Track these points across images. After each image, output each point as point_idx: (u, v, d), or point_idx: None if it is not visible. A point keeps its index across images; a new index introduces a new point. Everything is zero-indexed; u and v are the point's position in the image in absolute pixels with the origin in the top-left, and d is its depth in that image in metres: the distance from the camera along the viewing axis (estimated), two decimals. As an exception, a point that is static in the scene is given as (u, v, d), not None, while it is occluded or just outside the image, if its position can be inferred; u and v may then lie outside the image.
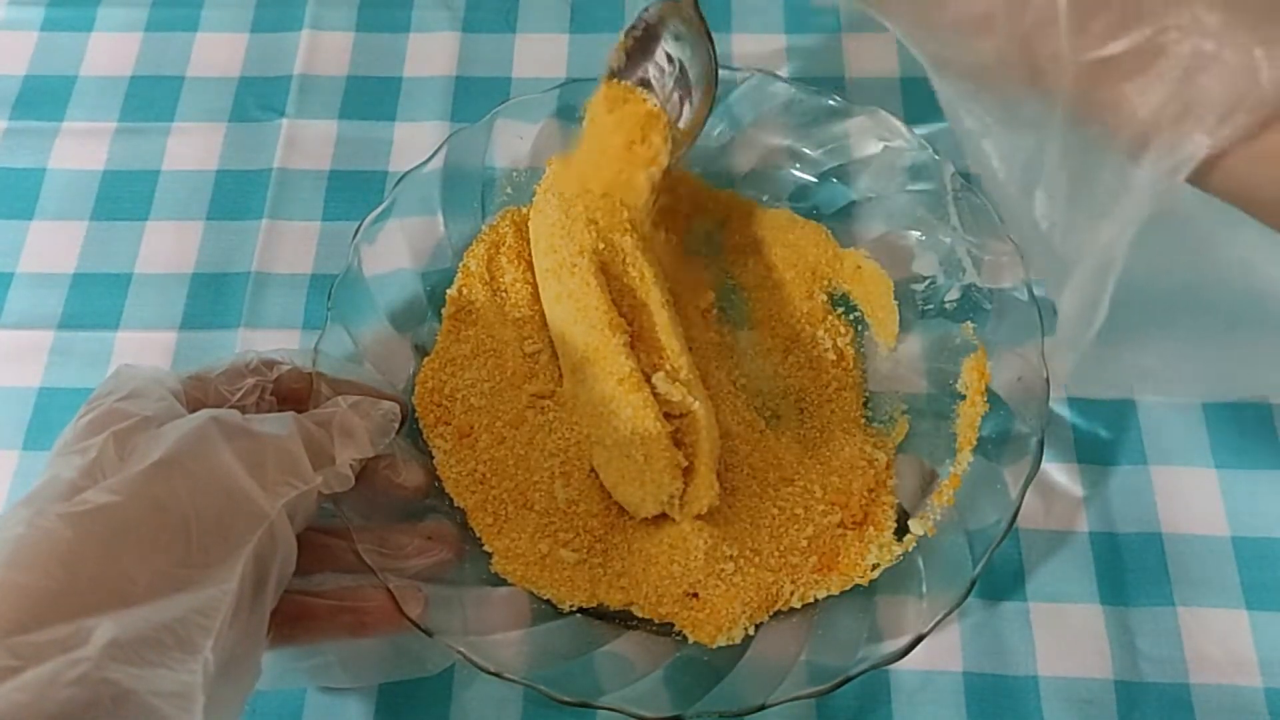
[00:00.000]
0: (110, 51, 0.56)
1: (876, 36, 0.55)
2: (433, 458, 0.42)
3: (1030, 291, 0.41)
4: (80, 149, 0.53)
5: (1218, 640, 0.40)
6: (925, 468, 0.42)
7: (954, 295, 0.45)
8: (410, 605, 0.36)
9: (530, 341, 0.44)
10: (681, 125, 0.44)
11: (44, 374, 0.48)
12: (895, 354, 0.45)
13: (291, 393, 0.38)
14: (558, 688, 0.35)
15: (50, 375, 0.48)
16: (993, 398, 0.41)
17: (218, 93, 0.55)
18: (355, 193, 0.52)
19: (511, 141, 0.48)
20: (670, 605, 0.39)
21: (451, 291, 0.46)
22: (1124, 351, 0.32)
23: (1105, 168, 0.26)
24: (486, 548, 0.40)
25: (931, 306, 0.45)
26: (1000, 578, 0.42)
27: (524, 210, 0.47)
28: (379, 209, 0.44)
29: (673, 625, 0.39)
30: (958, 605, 0.36)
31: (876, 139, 0.47)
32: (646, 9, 0.43)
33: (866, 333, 0.46)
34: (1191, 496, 0.43)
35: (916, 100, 0.53)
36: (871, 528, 0.41)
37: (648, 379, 0.41)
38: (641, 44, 0.43)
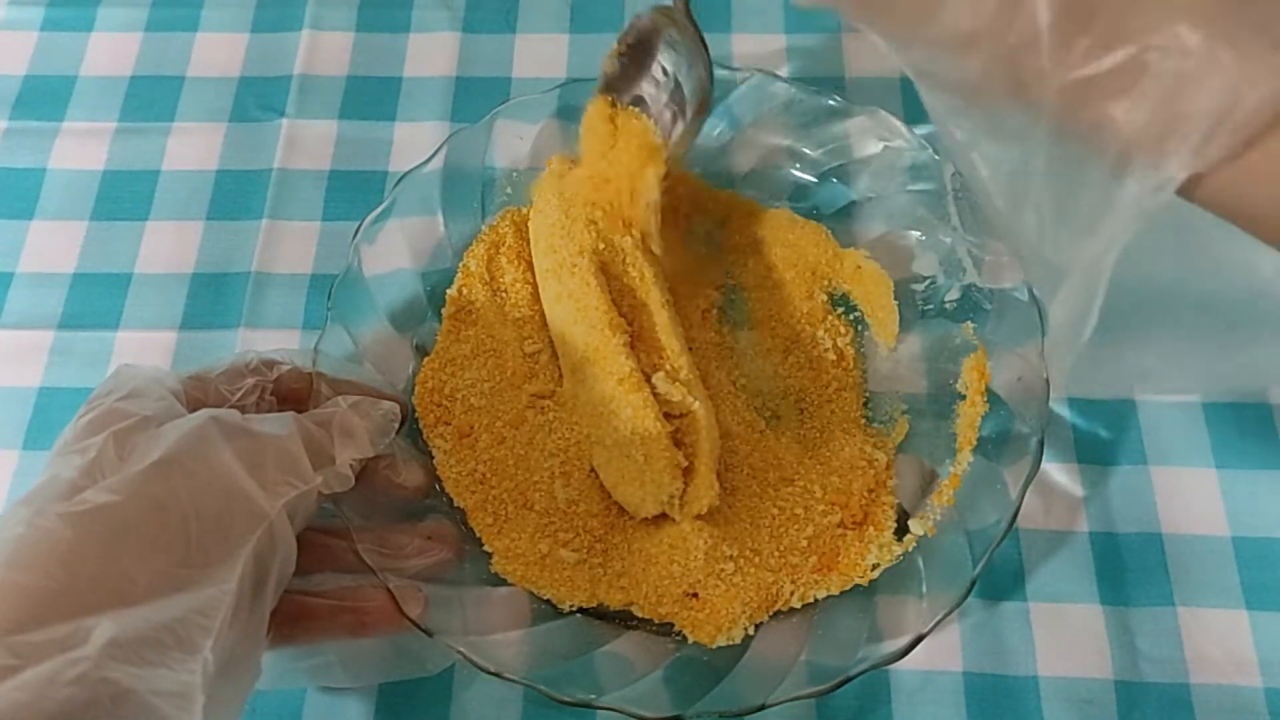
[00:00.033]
0: (110, 51, 0.56)
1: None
2: (433, 458, 0.42)
3: (1030, 292, 0.41)
4: (80, 149, 0.53)
5: (1218, 640, 0.40)
6: (925, 468, 0.42)
7: (954, 295, 0.45)
8: (410, 605, 0.36)
9: (530, 341, 0.44)
10: (673, 140, 0.44)
11: (44, 374, 0.48)
12: (895, 354, 0.45)
13: (291, 393, 0.38)
14: (558, 688, 0.35)
15: (50, 375, 0.48)
16: (993, 398, 0.41)
17: (218, 93, 0.55)
18: (355, 193, 0.52)
19: (511, 141, 0.48)
20: (670, 605, 0.39)
21: (451, 291, 0.46)
22: (1124, 351, 0.32)
23: (1091, 183, 0.26)
24: (486, 548, 0.40)
25: (931, 306, 0.45)
26: (1000, 578, 0.42)
27: (524, 210, 0.47)
28: (379, 209, 0.44)
29: (673, 625, 0.39)
30: (958, 605, 0.36)
31: (876, 139, 0.47)
32: (639, 15, 0.43)
33: (866, 333, 0.46)
34: (1191, 496, 0.43)
35: (916, 100, 0.51)
36: (871, 528, 0.41)
37: (648, 379, 0.41)
38: (636, 52, 0.43)
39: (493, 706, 0.40)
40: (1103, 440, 0.45)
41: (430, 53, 0.56)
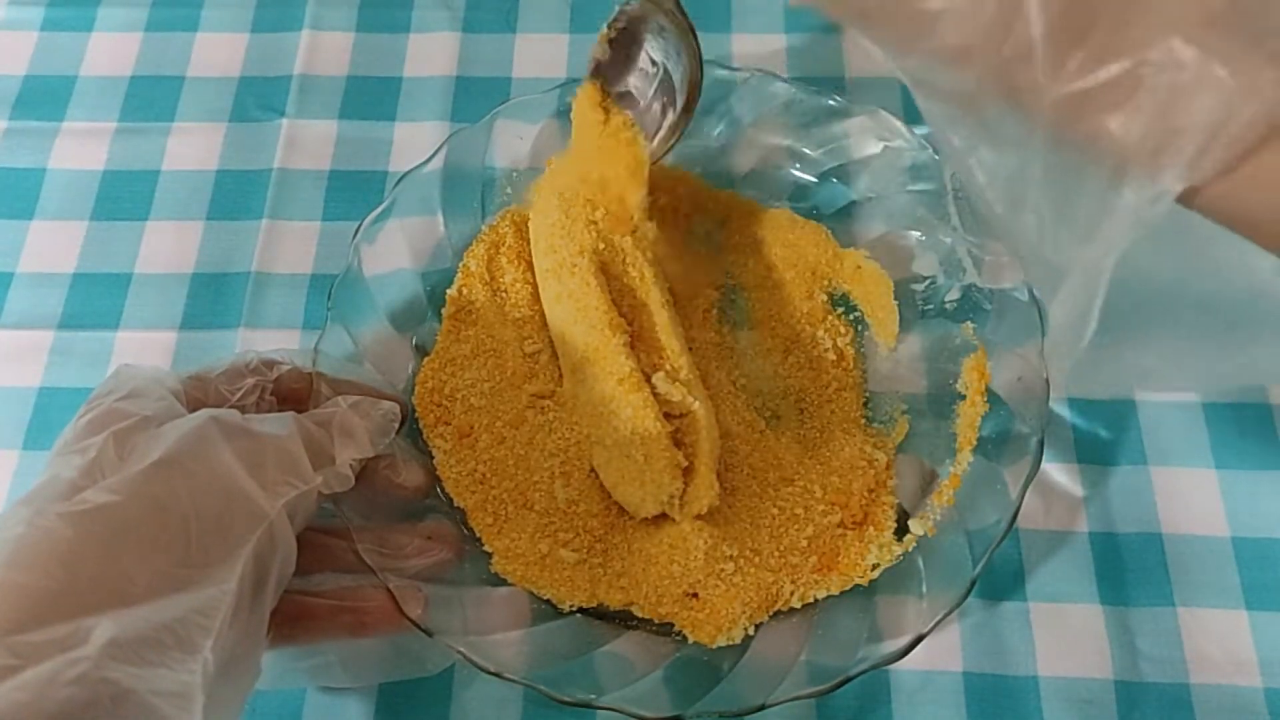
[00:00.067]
0: (110, 51, 0.56)
1: (877, 37, 0.55)
2: (433, 458, 0.42)
3: (1030, 292, 0.41)
4: (80, 149, 0.53)
5: (1218, 640, 0.40)
6: (925, 468, 0.42)
7: (954, 295, 0.44)
8: (410, 605, 0.36)
9: (530, 341, 0.44)
10: (662, 133, 0.44)
11: (44, 374, 0.48)
12: (895, 354, 0.45)
13: (291, 393, 0.38)
14: (558, 688, 0.35)
15: (50, 375, 0.48)
16: (993, 398, 0.41)
17: (218, 93, 0.55)
18: (355, 193, 0.52)
19: (511, 141, 0.48)
20: (670, 605, 0.39)
21: (451, 291, 0.46)
22: (1124, 351, 0.32)
23: (1089, 189, 0.26)
24: (486, 548, 0.40)
25: (931, 306, 0.45)
26: (1000, 578, 0.42)
27: (524, 210, 0.47)
28: (379, 209, 0.44)
29: (673, 625, 0.39)
30: (958, 605, 0.36)
31: (876, 139, 0.47)
32: (628, 2, 0.43)
33: (866, 333, 0.46)
34: (1191, 496, 0.43)
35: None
36: (871, 528, 0.41)
37: (648, 379, 0.41)
38: (625, 40, 0.43)
39: (493, 706, 0.40)
40: (1103, 440, 0.45)
41: (430, 53, 0.56)
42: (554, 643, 0.38)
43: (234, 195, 0.52)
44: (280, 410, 0.37)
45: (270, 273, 0.50)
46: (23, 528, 0.28)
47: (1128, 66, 0.23)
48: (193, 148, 0.53)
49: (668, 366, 0.42)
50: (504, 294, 0.46)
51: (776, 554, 0.39)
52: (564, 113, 0.47)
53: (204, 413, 0.33)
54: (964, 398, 0.42)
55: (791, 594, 0.39)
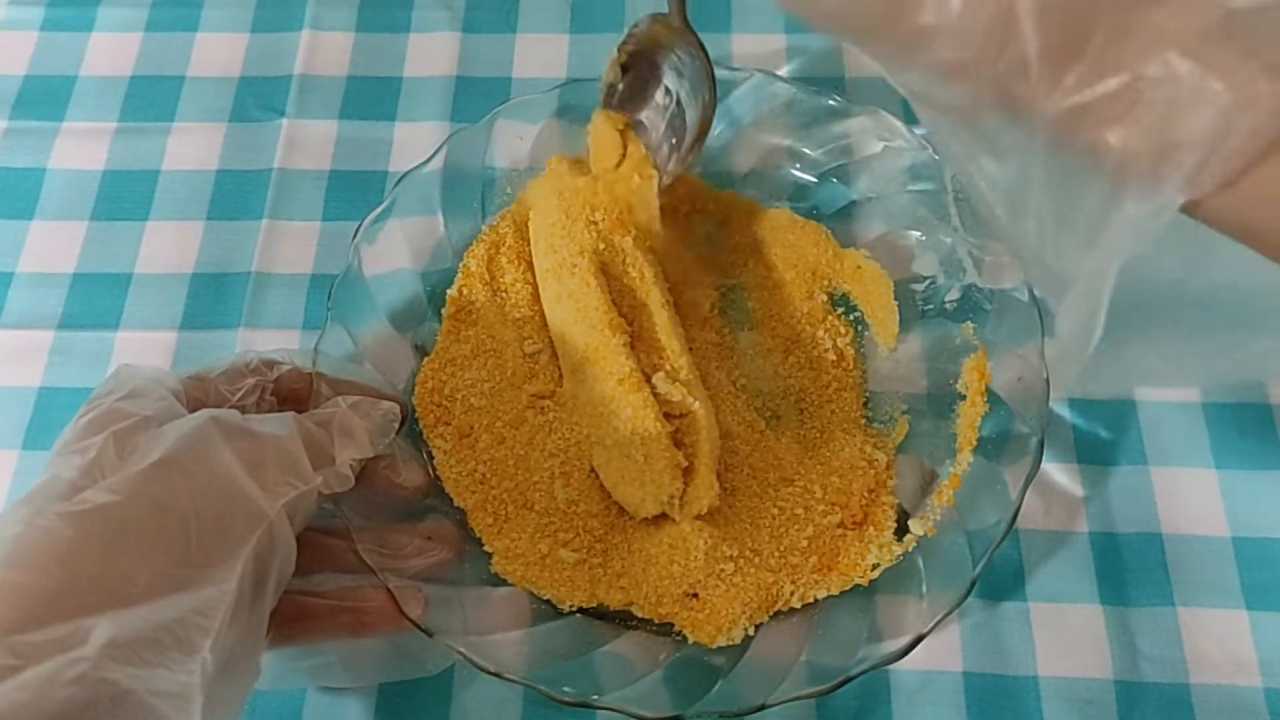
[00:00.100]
0: (110, 51, 0.56)
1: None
2: (433, 458, 0.42)
3: (1030, 292, 0.41)
4: (80, 149, 0.53)
5: (1218, 640, 0.40)
6: (925, 468, 0.42)
7: (954, 295, 0.44)
8: (410, 605, 0.36)
9: (530, 341, 0.44)
10: (668, 170, 0.44)
11: (44, 374, 0.48)
12: (895, 354, 0.45)
13: (291, 393, 0.38)
14: (558, 688, 0.35)
15: (50, 375, 0.48)
16: (993, 398, 0.41)
17: (218, 93, 0.55)
18: (355, 193, 0.52)
19: (511, 141, 0.48)
20: (670, 605, 0.39)
21: (451, 291, 0.46)
22: (1125, 351, 0.32)
23: (1090, 198, 0.26)
24: (486, 548, 0.40)
25: (931, 306, 0.45)
26: (1000, 578, 0.42)
27: (524, 210, 0.47)
28: (379, 209, 0.44)
29: (673, 625, 0.39)
30: (958, 605, 0.36)
31: (876, 139, 0.47)
32: (637, 24, 0.42)
33: (866, 333, 0.46)
34: (1191, 496, 0.43)
35: (916, 100, 0.53)
36: (871, 528, 0.41)
37: (648, 379, 0.41)
38: (639, 66, 0.43)
39: (493, 706, 0.40)
40: (1103, 440, 0.45)
41: (430, 53, 0.56)
42: (554, 643, 0.38)
43: (234, 195, 0.52)
44: (280, 410, 0.37)
45: (270, 273, 0.50)
46: (22, 527, 0.28)
47: (1125, 81, 0.23)
48: (193, 148, 0.53)
49: (668, 366, 0.42)
50: (504, 294, 0.46)
51: (776, 554, 0.39)
52: (564, 112, 0.48)
53: (204, 413, 0.33)
54: (964, 398, 0.42)
55: (791, 594, 0.39)
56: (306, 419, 0.35)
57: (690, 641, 0.38)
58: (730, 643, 0.38)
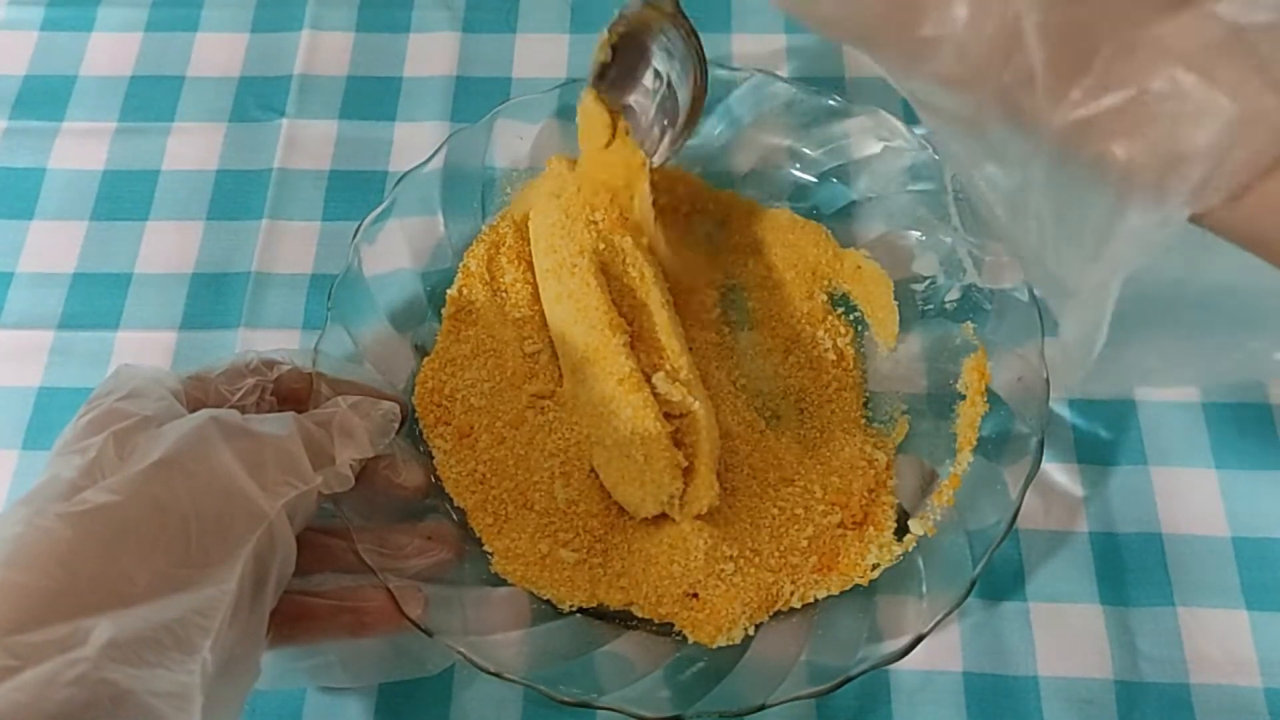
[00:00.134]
0: (110, 51, 0.56)
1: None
2: (433, 458, 0.42)
3: (1030, 292, 0.41)
4: (80, 149, 0.53)
5: (1218, 640, 0.40)
6: (925, 468, 0.42)
7: (954, 295, 0.44)
8: (410, 605, 0.36)
9: (530, 341, 0.44)
10: (659, 153, 0.44)
11: (44, 374, 0.48)
12: (895, 354, 0.45)
13: (291, 393, 0.38)
14: (558, 688, 0.35)
15: (50, 375, 0.48)
16: (993, 398, 0.41)
17: (218, 93, 0.55)
18: (355, 193, 0.52)
19: (511, 141, 0.48)
20: (670, 605, 0.39)
21: (451, 291, 0.46)
22: (1125, 352, 0.32)
23: (1093, 208, 0.26)
24: (486, 548, 0.40)
25: (931, 306, 0.45)
26: (1000, 578, 0.42)
27: (523, 210, 0.47)
28: (379, 209, 0.44)
29: (673, 625, 0.39)
30: (958, 605, 0.36)
31: (876, 139, 0.47)
32: (627, 5, 0.42)
33: (866, 333, 0.46)
34: (1191, 496, 0.43)
35: (916, 100, 0.53)
36: (871, 528, 0.41)
37: (648, 379, 0.41)
38: (629, 47, 0.43)
39: (493, 706, 0.40)
40: (1103, 440, 0.45)
41: (430, 53, 0.56)
42: (554, 643, 0.38)
43: (234, 195, 0.52)
44: (280, 410, 0.37)
45: (270, 273, 0.50)
46: (22, 527, 0.28)
47: (1131, 95, 0.23)
48: (193, 148, 0.53)
49: (668, 366, 0.42)
50: (504, 294, 0.46)
51: (776, 554, 0.39)
52: (564, 112, 0.48)
53: (204, 413, 0.33)
54: (964, 398, 0.42)
55: (791, 594, 0.39)
56: (306, 419, 0.35)
57: (690, 641, 0.38)
58: (730, 643, 0.38)
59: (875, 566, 0.39)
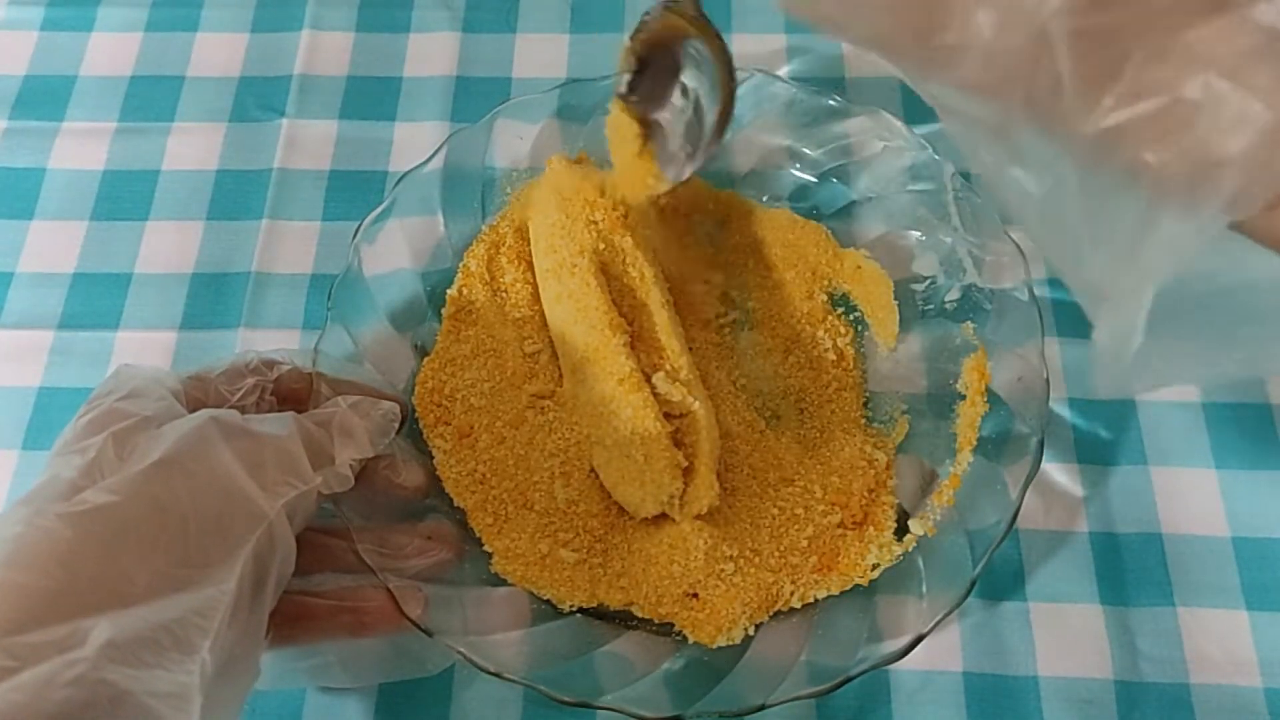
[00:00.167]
0: (110, 51, 0.56)
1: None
2: (433, 458, 0.42)
3: (1030, 292, 0.41)
4: (80, 149, 0.53)
5: (1218, 640, 0.40)
6: (925, 468, 0.42)
7: (954, 295, 0.44)
8: (410, 605, 0.36)
9: (530, 341, 0.44)
10: (683, 176, 0.43)
11: (44, 374, 0.48)
12: (895, 354, 0.45)
13: (291, 393, 0.38)
14: (558, 688, 0.35)
15: (50, 375, 0.48)
16: (993, 398, 0.41)
17: (218, 93, 0.55)
18: (355, 193, 0.52)
19: (511, 141, 0.48)
20: (670, 605, 0.39)
21: (451, 291, 0.46)
22: (1157, 349, 0.32)
23: (1125, 215, 0.25)
24: (486, 548, 0.40)
25: (931, 306, 0.45)
26: (1000, 578, 0.42)
27: (523, 210, 0.47)
28: (379, 209, 0.44)
29: (673, 625, 0.39)
30: (958, 605, 0.36)
31: (876, 139, 0.47)
32: (649, 12, 0.42)
33: (866, 333, 0.46)
34: (1191, 496, 0.43)
35: (916, 100, 0.52)
36: (871, 528, 0.41)
37: (648, 379, 0.41)
38: (657, 59, 0.42)
39: (493, 706, 0.40)
40: (1103, 440, 0.45)
41: (430, 53, 0.56)
42: (554, 643, 0.38)
43: (234, 195, 0.52)
44: (280, 410, 0.37)
45: (270, 273, 0.50)
46: (22, 527, 0.28)
47: (1164, 102, 0.23)
48: (193, 148, 0.53)
49: (668, 366, 0.42)
50: (504, 294, 0.46)
51: (776, 554, 0.39)
52: (564, 113, 0.47)
53: (204, 413, 0.33)
54: (964, 398, 0.42)
55: (791, 594, 0.39)
56: (306, 419, 0.35)
57: (690, 641, 0.38)
58: (730, 643, 0.38)
59: (875, 566, 0.39)
